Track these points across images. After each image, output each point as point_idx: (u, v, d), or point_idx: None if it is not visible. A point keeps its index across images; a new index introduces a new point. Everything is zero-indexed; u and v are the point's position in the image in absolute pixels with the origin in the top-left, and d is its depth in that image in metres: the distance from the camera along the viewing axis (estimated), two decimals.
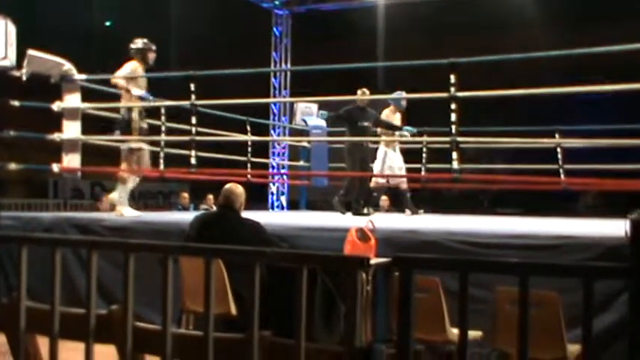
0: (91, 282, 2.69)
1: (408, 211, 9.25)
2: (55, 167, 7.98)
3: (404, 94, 8.87)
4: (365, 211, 8.72)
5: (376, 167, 9.03)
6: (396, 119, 9.13)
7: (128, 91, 7.76)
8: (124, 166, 7.89)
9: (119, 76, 7.81)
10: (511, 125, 9.98)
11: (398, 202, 9.45)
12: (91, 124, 8.48)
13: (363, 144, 8.90)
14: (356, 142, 8.73)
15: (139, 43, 8.03)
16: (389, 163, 8.98)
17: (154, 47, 8.05)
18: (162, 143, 9.02)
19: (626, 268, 2.18)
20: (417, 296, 3.96)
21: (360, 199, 8.87)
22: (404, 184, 9.21)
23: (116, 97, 8.29)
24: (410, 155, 10.11)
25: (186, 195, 13.78)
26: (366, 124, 8.79)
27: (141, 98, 7.73)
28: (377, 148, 9.27)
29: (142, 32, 8.24)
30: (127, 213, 7.65)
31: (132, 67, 7.89)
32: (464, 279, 2.17)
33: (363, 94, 8.87)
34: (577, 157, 9.83)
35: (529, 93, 7.31)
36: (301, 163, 11.99)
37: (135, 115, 7.78)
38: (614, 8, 15.03)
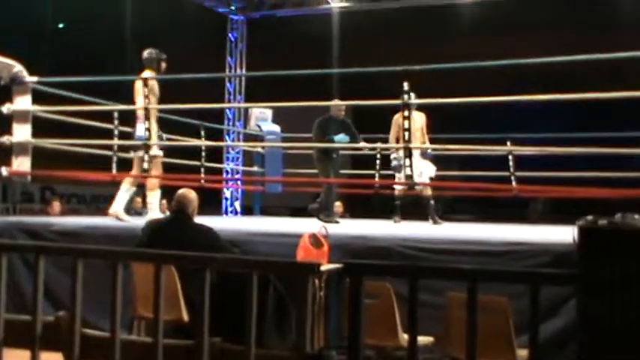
0: (38, 288, 2.65)
1: (431, 220, 8.81)
2: (4, 171, 7.83)
3: (412, 97, 8.39)
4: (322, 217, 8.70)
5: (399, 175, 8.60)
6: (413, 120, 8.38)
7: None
8: (135, 172, 8.05)
9: (143, 91, 7.84)
10: (464, 132, 10.08)
11: (423, 210, 9.01)
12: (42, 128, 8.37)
13: (333, 153, 8.90)
14: (326, 150, 8.78)
15: (152, 52, 8.09)
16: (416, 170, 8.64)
17: (164, 56, 8.12)
18: (115, 147, 8.97)
19: (572, 275, 2.21)
20: (369, 302, 3.97)
21: (324, 206, 8.88)
22: (427, 192, 8.80)
23: (68, 100, 8.20)
24: (364, 162, 10.16)
25: (139, 199, 13.60)
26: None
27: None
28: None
29: (96, 35, 8.18)
30: (124, 217, 7.78)
31: (150, 76, 7.93)
32: (413, 285, 2.18)
33: (337, 106, 8.93)
34: (528, 164, 9.98)
35: (482, 101, 7.40)
36: (255, 168, 11.96)
37: (153, 123, 7.86)
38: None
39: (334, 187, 9.06)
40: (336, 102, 9.05)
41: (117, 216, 7.75)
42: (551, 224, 8.73)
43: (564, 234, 4.96)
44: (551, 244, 5.39)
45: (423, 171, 8.59)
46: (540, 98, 7.27)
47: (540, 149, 8.65)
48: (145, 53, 8.08)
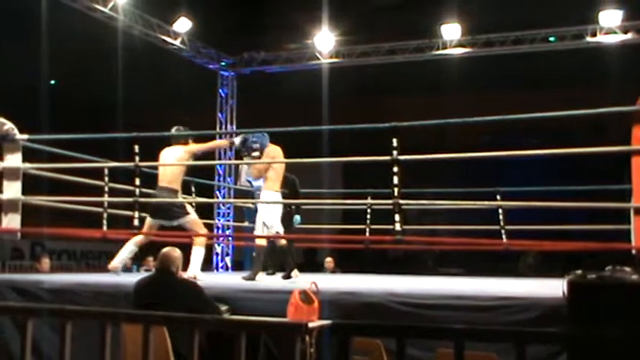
0: (26, 352, 2.64)
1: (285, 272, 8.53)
2: None
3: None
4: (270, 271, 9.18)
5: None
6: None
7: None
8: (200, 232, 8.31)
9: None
10: (455, 186, 10.12)
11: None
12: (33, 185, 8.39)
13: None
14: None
15: (180, 129, 8.41)
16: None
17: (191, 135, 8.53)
18: (106, 204, 8.98)
19: (558, 334, 2.22)
20: (359, 359, 3.95)
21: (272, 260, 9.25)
22: (281, 242, 8.63)
23: (58, 157, 8.25)
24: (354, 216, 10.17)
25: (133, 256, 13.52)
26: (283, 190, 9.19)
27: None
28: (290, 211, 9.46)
29: (88, 92, 8.23)
30: (200, 276, 7.82)
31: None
32: (400, 344, 2.19)
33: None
34: (518, 217, 10.00)
35: (469, 156, 7.45)
36: (246, 224, 11.96)
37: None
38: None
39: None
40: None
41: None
42: (543, 277, 8.72)
43: (555, 287, 4.96)
44: (541, 298, 5.38)
45: (265, 220, 8.28)
46: (529, 153, 7.31)
47: (529, 204, 8.68)
48: (182, 129, 8.36)
